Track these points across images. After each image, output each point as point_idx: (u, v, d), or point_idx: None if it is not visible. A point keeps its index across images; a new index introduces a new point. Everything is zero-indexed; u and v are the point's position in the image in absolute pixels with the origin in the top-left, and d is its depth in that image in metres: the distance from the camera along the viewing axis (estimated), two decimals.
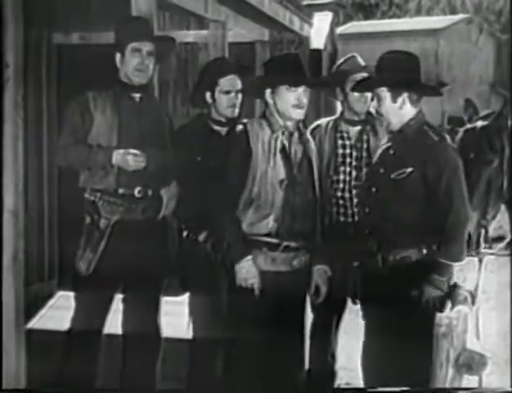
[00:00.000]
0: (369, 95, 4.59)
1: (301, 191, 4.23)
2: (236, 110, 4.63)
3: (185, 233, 4.57)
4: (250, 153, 4.18)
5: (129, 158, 4.25)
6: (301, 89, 4.20)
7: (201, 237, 4.53)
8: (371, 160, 4.50)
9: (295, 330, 4.31)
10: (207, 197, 4.28)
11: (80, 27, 7.40)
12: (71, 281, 4.47)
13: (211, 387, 4.51)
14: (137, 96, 4.42)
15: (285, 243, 4.21)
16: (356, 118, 4.69)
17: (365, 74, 4.59)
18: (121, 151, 4.27)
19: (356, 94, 4.61)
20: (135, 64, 4.35)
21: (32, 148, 6.70)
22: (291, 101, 4.20)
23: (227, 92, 4.60)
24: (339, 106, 4.87)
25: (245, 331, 4.12)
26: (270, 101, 4.25)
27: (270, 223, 4.19)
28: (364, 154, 4.65)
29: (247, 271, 4.14)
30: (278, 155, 4.21)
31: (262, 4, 7.84)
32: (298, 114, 4.23)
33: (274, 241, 4.20)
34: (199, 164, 4.51)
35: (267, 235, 4.19)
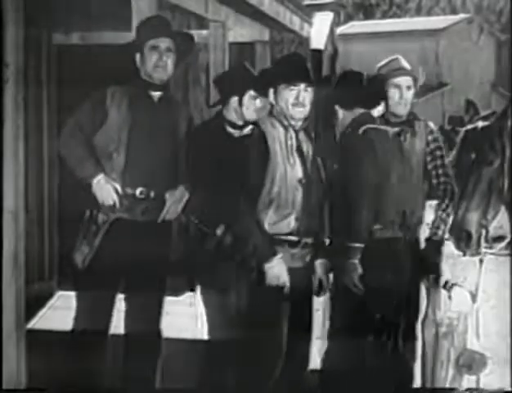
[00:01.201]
0: (409, 97, 4.59)
1: (316, 190, 4.26)
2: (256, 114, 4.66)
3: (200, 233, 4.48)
4: (268, 152, 4.18)
5: (107, 191, 4.28)
6: (301, 87, 4.21)
7: (215, 240, 4.45)
8: None
9: (306, 326, 4.34)
10: (225, 197, 4.23)
11: (80, 27, 7.41)
12: (69, 275, 4.47)
13: (222, 388, 4.49)
14: (157, 95, 4.41)
15: (304, 240, 4.23)
16: (394, 120, 4.66)
17: (407, 78, 4.59)
18: (104, 180, 4.28)
19: (396, 97, 4.60)
20: (154, 61, 4.36)
21: (32, 148, 6.70)
22: (290, 99, 4.20)
23: (255, 98, 4.63)
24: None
25: (266, 329, 4.13)
26: (273, 101, 4.27)
27: (292, 223, 4.20)
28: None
29: (278, 269, 4.14)
30: (295, 154, 4.23)
31: (263, 4, 7.85)
32: (299, 112, 4.22)
33: (294, 238, 4.21)
34: (214, 164, 4.44)
35: (289, 234, 4.20)
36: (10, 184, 4.06)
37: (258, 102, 4.61)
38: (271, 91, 4.26)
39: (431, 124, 4.64)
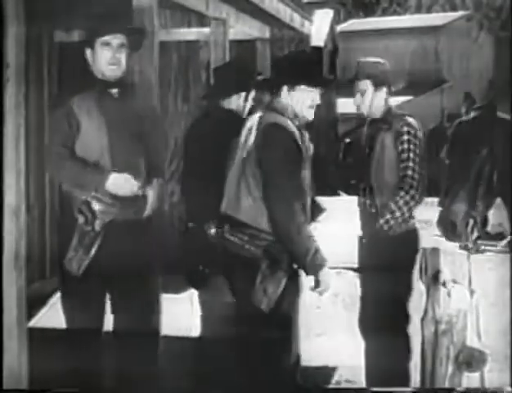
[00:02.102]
0: (368, 99, 4.62)
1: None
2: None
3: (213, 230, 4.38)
4: (301, 153, 4.08)
5: (127, 183, 4.22)
6: (318, 90, 4.15)
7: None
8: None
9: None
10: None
11: (82, 25, 7.40)
12: (61, 281, 4.36)
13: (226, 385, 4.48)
14: (115, 92, 4.32)
15: None
16: (368, 118, 4.70)
17: (365, 81, 4.63)
18: (117, 175, 4.20)
19: (357, 100, 4.66)
20: (107, 58, 4.27)
21: (33, 146, 6.70)
22: (308, 101, 4.12)
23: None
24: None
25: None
26: (286, 100, 4.14)
27: None
28: (368, 151, 4.66)
29: (329, 276, 4.06)
30: (306, 157, 4.15)
31: (263, 1, 7.87)
32: (311, 114, 4.16)
33: None
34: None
35: None
36: (11, 182, 4.07)
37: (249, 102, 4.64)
38: (285, 89, 4.14)
39: (412, 122, 4.60)
